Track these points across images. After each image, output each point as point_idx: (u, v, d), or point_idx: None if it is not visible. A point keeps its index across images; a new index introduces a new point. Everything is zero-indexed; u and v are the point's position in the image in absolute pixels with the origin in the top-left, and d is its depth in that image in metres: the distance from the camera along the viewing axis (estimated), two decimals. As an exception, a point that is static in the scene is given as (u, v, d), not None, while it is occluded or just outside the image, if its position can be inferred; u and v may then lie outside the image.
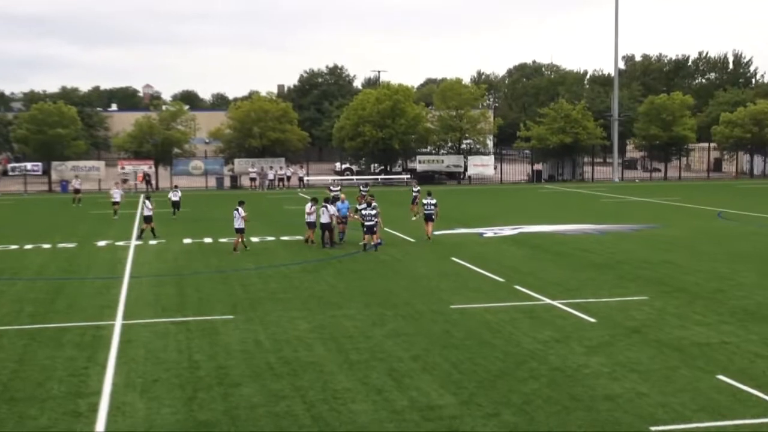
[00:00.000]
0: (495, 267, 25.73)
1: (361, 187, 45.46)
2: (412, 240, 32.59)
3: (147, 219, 34.50)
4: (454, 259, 27.58)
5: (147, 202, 34.79)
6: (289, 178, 71.16)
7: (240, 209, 30.35)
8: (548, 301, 20.39)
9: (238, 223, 30.18)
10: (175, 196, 44.20)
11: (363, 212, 30.02)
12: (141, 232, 34.51)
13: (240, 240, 30.28)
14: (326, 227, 30.36)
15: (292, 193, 64.06)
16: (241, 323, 18.23)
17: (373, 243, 29.49)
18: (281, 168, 71.05)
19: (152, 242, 32.88)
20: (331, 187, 43.19)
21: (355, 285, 22.92)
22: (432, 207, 33.23)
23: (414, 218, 41.09)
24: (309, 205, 30.97)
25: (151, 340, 16.73)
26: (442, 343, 16.28)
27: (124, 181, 65.43)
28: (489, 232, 35.14)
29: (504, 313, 19.04)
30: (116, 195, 42.85)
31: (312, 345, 16.22)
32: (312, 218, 30.74)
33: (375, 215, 29.78)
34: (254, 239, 33.49)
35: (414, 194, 42.64)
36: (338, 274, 24.74)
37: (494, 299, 20.69)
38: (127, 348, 16.13)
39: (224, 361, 15.12)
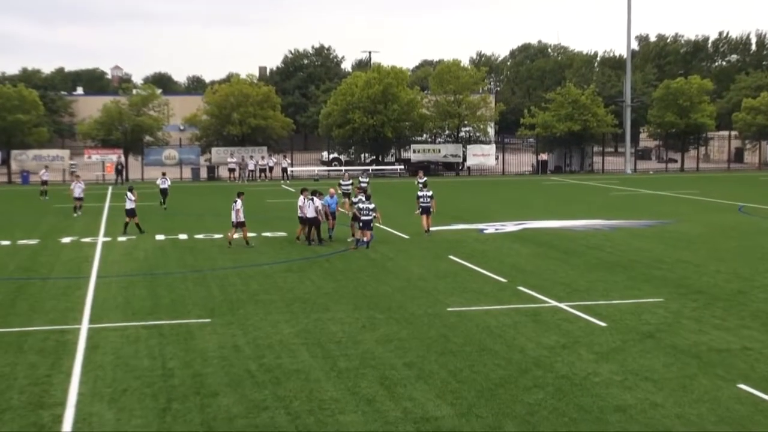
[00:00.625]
0: (496, 266, 25.76)
1: (361, 178, 45.26)
2: (405, 237, 32.61)
3: (129, 212, 34.52)
4: (451, 257, 27.60)
5: (129, 193, 34.75)
6: (271, 168, 71.17)
7: (239, 201, 30.34)
8: (554, 303, 20.42)
9: (236, 217, 30.22)
10: (163, 184, 45.59)
11: (360, 206, 29.94)
12: (125, 226, 34.53)
13: (243, 235, 30.46)
14: (312, 222, 30.35)
15: (274, 185, 64.04)
16: (219, 327, 18.21)
17: (365, 240, 29.49)
18: (263, 158, 71.07)
19: (121, 239, 32.83)
20: (342, 182, 42.82)
21: (344, 286, 22.93)
22: (429, 199, 33.58)
23: (418, 211, 41.27)
24: (301, 198, 30.94)
25: (120, 346, 16.70)
26: (439, 349, 16.30)
27: (72, 173, 65.30)
28: (490, 228, 35.19)
29: (506, 316, 19.06)
30: (77, 190, 41.77)
31: (296, 351, 16.21)
32: (314, 211, 30.57)
33: (374, 209, 29.80)
34: (234, 235, 33.42)
35: (420, 186, 42.59)
36: (325, 274, 24.74)
37: (495, 301, 20.71)
38: (94, 354, 16.10)
39: (201, 368, 15.11)
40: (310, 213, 30.21)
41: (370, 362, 15.41)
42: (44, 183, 54.54)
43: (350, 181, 43.76)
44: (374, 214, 29.88)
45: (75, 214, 40.52)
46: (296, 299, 21.15)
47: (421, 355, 15.83)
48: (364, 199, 30.32)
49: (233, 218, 30.37)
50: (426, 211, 33.13)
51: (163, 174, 47.79)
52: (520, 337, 17.15)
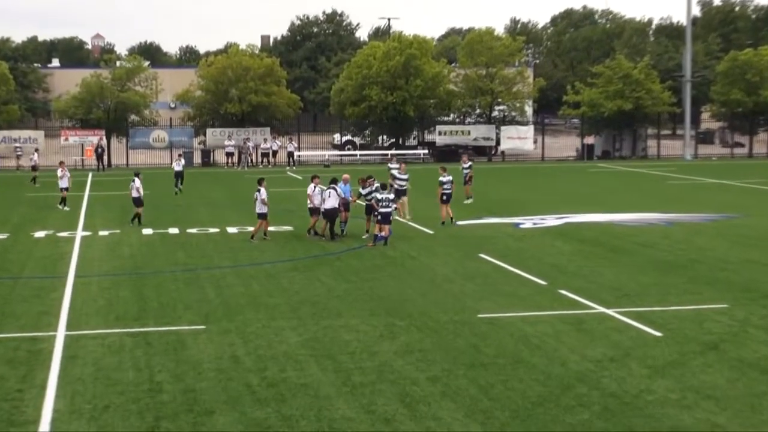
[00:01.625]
0: (534, 266, 25.72)
1: (391, 165, 44.86)
2: (429, 231, 32.59)
3: (136, 201, 34.81)
4: (482, 255, 27.58)
5: (136, 179, 34.96)
6: (275, 153, 71.20)
7: (262, 189, 30.49)
8: (601, 309, 20.38)
9: (260, 208, 30.46)
10: (178, 166, 48.91)
11: (378, 196, 29.90)
12: (138, 219, 34.84)
13: (262, 225, 30.76)
14: (331, 215, 30.35)
15: (278, 171, 64.12)
16: (215, 335, 18.27)
17: (382, 235, 29.46)
18: (265, 140, 71.12)
19: (103, 233, 32.98)
20: (391, 165, 43.04)
21: (358, 288, 22.96)
22: (451, 185, 33.94)
23: (468, 201, 41.24)
24: (311, 186, 30.93)
25: (101, 356, 16.77)
26: (468, 361, 16.29)
27: (18, 156, 65.59)
28: (527, 223, 35.13)
29: (545, 324, 19.04)
30: (64, 179, 41.12)
31: (304, 363, 16.25)
32: (316, 202, 30.62)
33: (393, 201, 29.82)
34: (231, 230, 33.58)
35: (465, 172, 42.49)
36: (337, 275, 24.78)
37: (533, 307, 20.69)
38: (72, 365, 16.18)
39: (194, 382, 15.17)
40: (328, 203, 30.24)
41: (388, 376, 15.42)
42: (34, 168, 54.80)
43: (398, 165, 43.84)
44: (394, 206, 29.87)
45: (60, 207, 40.30)
46: (303, 303, 21.18)
47: (446, 369, 15.82)
48: (380, 188, 30.35)
49: (257, 209, 30.58)
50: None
51: (180, 155, 52.76)
52: (561, 348, 17.12)
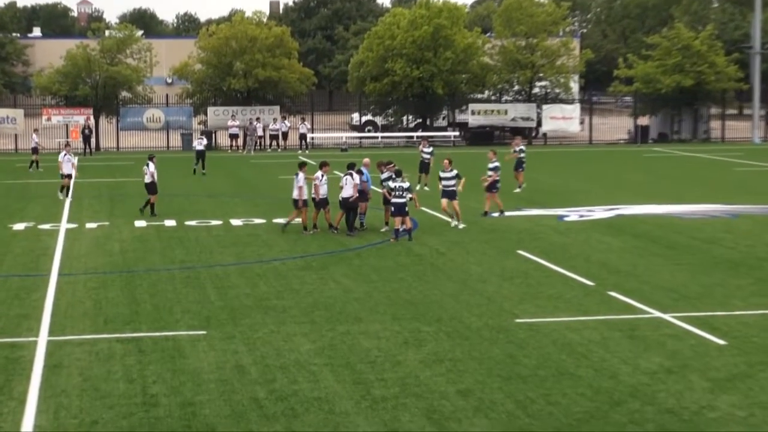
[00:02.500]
0: (580, 264, 25.68)
1: (423, 149, 44.88)
2: (460, 225, 32.55)
3: (149, 188, 35.12)
4: (521, 252, 27.55)
5: (150, 164, 35.24)
6: (285, 135, 71.24)
7: (300, 174, 30.66)
8: (657, 314, 20.32)
9: (299, 194, 30.56)
10: (200, 145, 51.28)
11: (390, 184, 29.93)
12: (146, 204, 35.11)
13: (295, 216, 31.04)
14: (348, 206, 30.31)
15: (289, 156, 64.12)
16: (217, 342, 18.31)
17: (404, 228, 29.44)
18: (275, 120, 71.16)
19: (90, 225, 33.08)
20: (424, 149, 43.73)
21: (380, 289, 22.98)
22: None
23: (518, 189, 41.39)
24: (319, 174, 30.88)
25: (88, 365, 16.83)
26: (504, 372, 16.28)
27: None
28: (572, 215, 35.05)
29: (593, 330, 18.99)
30: (67, 164, 40.79)
31: (317, 374, 16.27)
32: (322, 192, 30.58)
33: (408, 189, 29.68)
34: (235, 222, 33.64)
35: (519, 156, 42.46)
36: (355, 274, 24.80)
37: (579, 311, 20.65)
38: (56, 375, 16.24)
39: (193, 395, 15.20)
40: (346, 192, 30.21)
41: (413, 389, 15.42)
42: (35, 151, 55.06)
43: (431, 149, 44.05)
44: (409, 196, 29.69)
45: (61, 196, 39.97)
46: (317, 306, 21.21)
47: (480, 381, 15.81)
48: (394, 175, 30.15)
49: (296, 195, 30.60)
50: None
51: (202, 133, 55.28)
52: (611, 359, 17.08)
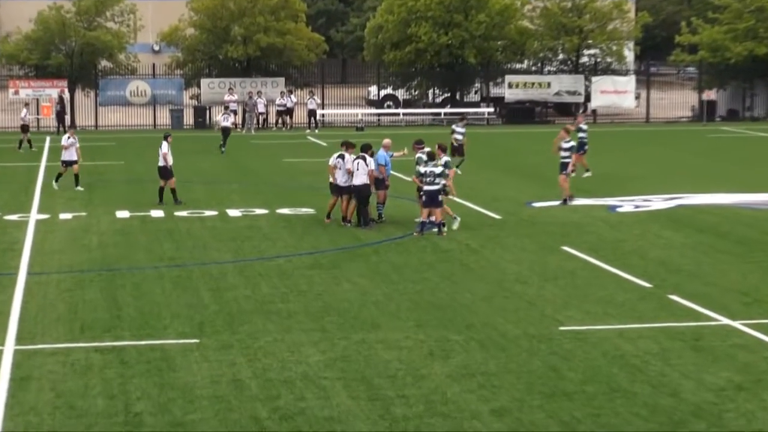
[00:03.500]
0: (635, 263, 25.61)
1: (456, 128, 45.03)
2: (496, 216, 32.48)
3: (162, 172, 35.23)
4: (566, 249, 27.50)
5: (164, 144, 35.27)
6: (291, 111, 71.26)
7: (347, 156, 30.55)
8: (725, 321, 20.22)
9: (342, 178, 30.46)
10: (225, 121, 54.57)
11: (420, 169, 29.48)
12: (160, 193, 35.30)
13: (338, 203, 30.96)
14: (361, 193, 30.19)
15: (296, 136, 64.19)
16: (212, 352, 18.30)
17: (433, 220, 29.24)
18: (281, 95, 71.09)
19: (65, 216, 33.11)
20: (456, 127, 44.22)
21: (401, 291, 22.94)
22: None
23: (586, 174, 41.76)
24: (334, 157, 30.76)
25: (62, 378, 16.82)
26: (547, 389, 16.23)
27: None
28: (626, 205, 34.97)
29: (650, 340, 18.92)
30: (72, 149, 39.77)
31: (328, 389, 16.25)
32: (363, 178, 30.28)
33: (442, 174, 29.36)
34: (233, 213, 33.63)
35: (581, 137, 42.46)
36: (373, 273, 24.78)
37: (633, 317, 20.58)
38: (24, 390, 16.23)
39: (183, 414, 15.20)
40: (358, 179, 30.09)
41: (439, 408, 15.38)
42: (25, 129, 55.19)
43: (463, 130, 44.12)
44: (443, 182, 29.48)
45: (56, 186, 39.52)
46: (328, 310, 21.18)
47: (518, 399, 15.77)
48: (425, 158, 29.76)
49: (343, 181, 30.48)
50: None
51: (226, 108, 57.93)
52: (671, 373, 17.01)
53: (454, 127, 44.84)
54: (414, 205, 31.79)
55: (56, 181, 39.70)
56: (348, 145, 31.16)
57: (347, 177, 30.36)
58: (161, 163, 35.15)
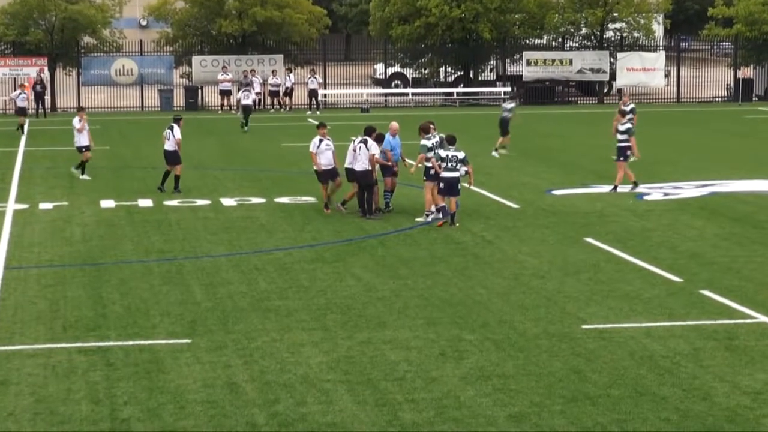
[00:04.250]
0: (664, 255, 25.65)
1: (505, 106, 45.46)
2: (513, 206, 32.51)
3: (169, 157, 35.39)
4: (589, 240, 27.56)
5: (174, 127, 35.42)
6: (290, 91, 71.24)
7: (371, 143, 30.39)
8: (762, 318, 20.27)
9: (363, 163, 30.35)
10: (246, 99, 57.60)
11: (441, 153, 29.31)
12: (163, 178, 35.49)
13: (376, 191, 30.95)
14: (362, 180, 30.20)
15: (296, 118, 64.18)
16: (205, 353, 18.36)
17: (451, 211, 29.17)
18: (273, 74, 70.97)
19: (45, 206, 33.15)
20: (506, 105, 45.19)
21: (410, 286, 23.01)
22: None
23: (633, 158, 41.74)
24: (356, 141, 30.75)
25: (43, 382, 16.88)
26: (568, 392, 16.28)
27: None
28: (654, 192, 35.00)
29: (680, 339, 18.96)
30: (84, 133, 39.68)
31: (331, 393, 16.30)
32: (363, 164, 30.23)
33: (464, 160, 29.27)
34: (228, 202, 33.69)
35: (628, 118, 42.63)
36: (379, 267, 24.85)
37: (663, 314, 20.63)
38: (2, 394, 16.28)
39: (174, 420, 15.25)
40: (359, 165, 30.12)
41: (452, 413, 15.43)
42: (22, 112, 55.35)
43: (513, 104, 44.71)
44: (464, 169, 29.46)
45: (79, 174, 39.28)
46: (331, 308, 21.26)
47: (537, 403, 15.82)
48: (446, 141, 29.66)
49: (362, 166, 30.28)
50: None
51: (246, 85, 61.73)
52: (703, 375, 17.05)
53: (504, 105, 45.80)
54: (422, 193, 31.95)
55: (77, 168, 39.15)
56: (321, 126, 31.78)
57: (329, 160, 30.91)
58: (171, 147, 35.28)
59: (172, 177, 35.37)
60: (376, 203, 30.74)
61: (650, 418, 15.16)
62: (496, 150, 43.56)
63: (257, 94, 69.07)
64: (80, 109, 43.67)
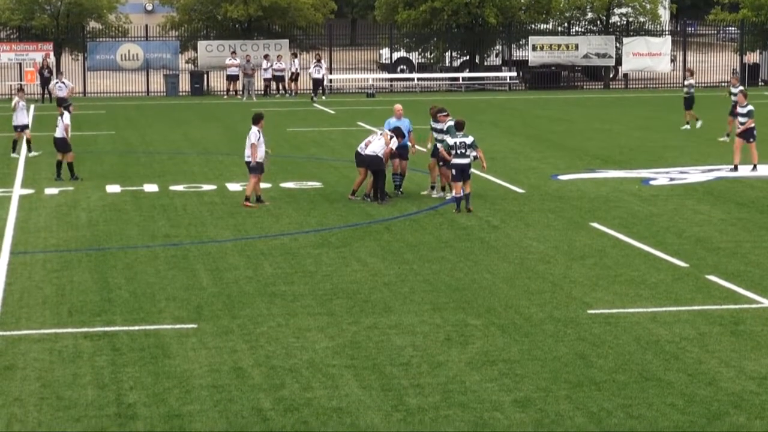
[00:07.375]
0: (670, 240, 25.64)
1: (686, 81, 46.33)
2: (519, 190, 32.48)
3: (57, 144, 35.13)
4: (595, 225, 27.55)
5: (64, 114, 35.13)
6: (296, 76, 71.12)
7: (377, 135, 30.47)
8: (768, 303, 20.32)
9: (379, 148, 30.24)
10: (317, 73, 62.00)
11: (449, 140, 29.26)
12: (58, 167, 35.12)
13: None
14: (375, 165, 30.11)
15: (301, 103, 64.13)
16: (211, 338, 18.37)
17: (455, 195, 29.00)
18: (277, 59, 70.80)
19: (51, 191, 33.14)
20: (686, 83, 47.19)
21: (416, 271, 23.01)
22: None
23: (723, 138, 42.49)
24: (380, 133, 30.62)
25: (48, 367, 16.91)
26: (573, 377, 16.30)
27: None
28: (660, 178, 34.94)
29: (686, 324, 18.96)
30: (22, 112, 40.71)
31: (337, 378, 16.32)
32: (377, 148, 30.05)
33: (472, 145, 29.22)
34: (233, 187, 33.67)
35: (734, 100, 42.65)
36: (385, 252, 24.84)
37: (668, 299, 20.62)
38: (8, 380, 16.33)
39: (179, 405, 15.27)
40: (370, 148, 30.02)
41: (457, 398, 15.45)
42: (61, 101, 55.44)
43: (691, 82, 46.42)
44: (474, 154, 29.40)
45: (14, 155, 39.35)
46: (337, 293, 21.26)
47: (542, 388, 15.83)
48: (455, 128, 29.52)
49: (382, 152, 30.20)
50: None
51: (318, 60, 66.68)
52: (709, 360, 17.05)
53: (686, 81, 48.57)
54: (427, 177, 31.90)
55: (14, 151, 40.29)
56: (257, 119, 31.54)
57: (261, 150, 30.78)
58: (60, 134, 34.95)
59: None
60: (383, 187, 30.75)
61: (656, 403, 15.17)
62: (687, 123, 47.57)
63: (265, 80, 69.10)
64: (20, 89, 43.80)
